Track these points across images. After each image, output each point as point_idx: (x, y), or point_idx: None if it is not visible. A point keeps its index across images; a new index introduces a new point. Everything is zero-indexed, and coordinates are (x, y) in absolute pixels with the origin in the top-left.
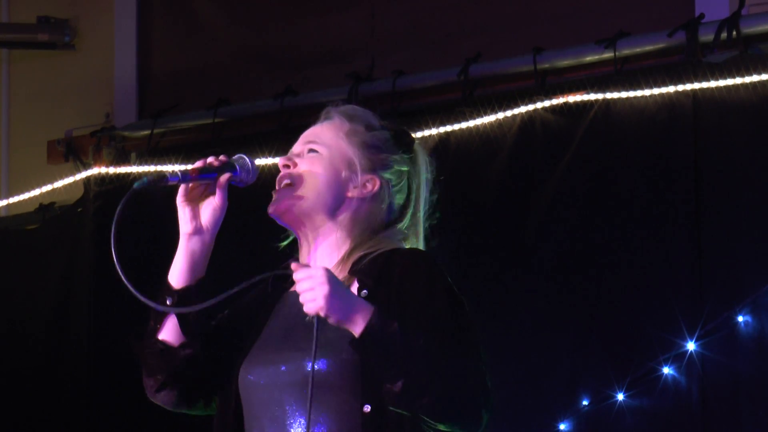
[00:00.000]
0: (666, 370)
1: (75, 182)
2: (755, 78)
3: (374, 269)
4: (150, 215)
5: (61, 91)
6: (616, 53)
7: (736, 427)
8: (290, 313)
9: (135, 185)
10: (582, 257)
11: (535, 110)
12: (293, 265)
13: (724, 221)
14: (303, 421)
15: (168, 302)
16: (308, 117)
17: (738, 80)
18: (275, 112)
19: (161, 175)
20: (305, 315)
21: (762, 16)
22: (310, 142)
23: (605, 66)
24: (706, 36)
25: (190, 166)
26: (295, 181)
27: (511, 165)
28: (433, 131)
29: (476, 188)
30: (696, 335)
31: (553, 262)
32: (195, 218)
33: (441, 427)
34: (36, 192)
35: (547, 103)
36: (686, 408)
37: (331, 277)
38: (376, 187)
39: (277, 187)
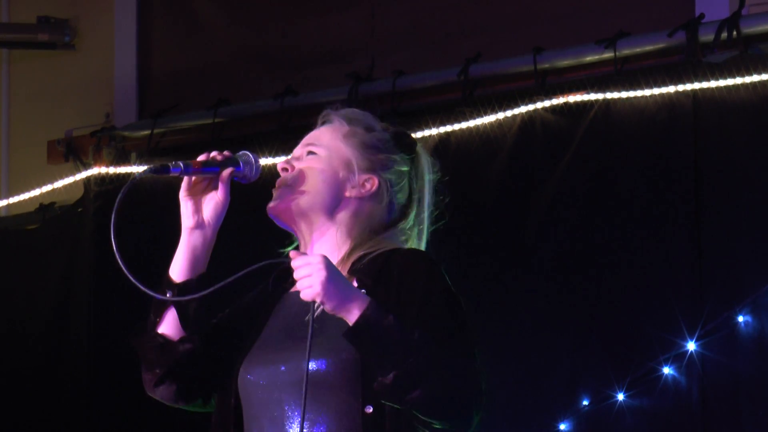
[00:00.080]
0: (666, 370)
1: (75, 182)
2: (755, 78)
3: (374, 269)
4: (150, 215)
5: (61, 91)
6: (616, 53)
7: (736, 427)
8: (291, 313)
9: (137, 174)
10: (582, 257)
11: (535, 110)
12: (291, 253)
13: (724, 221)
14: (304, 421)
15: (168, 296)
16: (308, 117)
17: (738, 80)
18: (275, 112)
19: (163, 165)
20: (306, 315)
21: (762, 16)
22: (309, 144)
23: (605, 66)
24: (706, 36)
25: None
26: (293, 181)
27: (511, 165)
28: (433, 131)
29: (476, 188)
30: (696, 335)
31: (553, 262)
32: (197, 212)
33: (435, 425)
34: (36, 192)
35: (547, 103)
36: (686, 408)
37: (328, 264)
38: (375, 187)
39: (276, 189)
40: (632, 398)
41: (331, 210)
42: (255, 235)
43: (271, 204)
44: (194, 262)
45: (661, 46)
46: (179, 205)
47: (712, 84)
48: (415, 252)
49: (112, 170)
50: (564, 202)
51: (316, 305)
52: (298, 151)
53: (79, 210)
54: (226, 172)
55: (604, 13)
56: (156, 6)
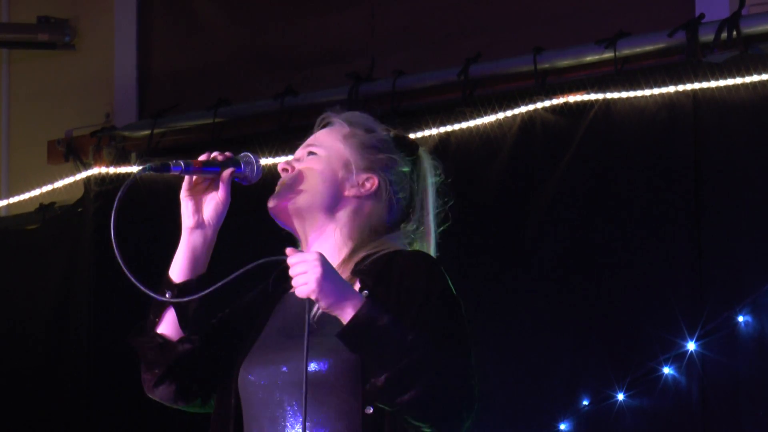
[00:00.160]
0: (666, 370)
1: (75, 182)
2: (755, 78)
3: (376, 269)
4: (150, 215)
5: (61, 91)
6: (616, 53)
7: (736, 427)
8: (291, 313)
9: (137, 171)
10: (582, 257)
11: (535, 110)
12: (288, 250)
13: (724, 221)
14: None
15: (168, 296)
16: (308, 117)
17: (738, 80)
18: (275, 112)
19: (164, 163)
20: (303, 314)
21: (762, 16)
22: (309, 146)
23: (605, 66)
24: (706, 36)
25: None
26: (293, 181)
27: (511, 165)
28: (433, 131)
29: (476, 188)
30: (696, 335)
31: (553, 262)
32: (197, 212)
33: (424, 430)
34: (36, 192)
35: (547, 103)
36: (686, 408)
37: (324, 262)
38: (374, 186)
39: (276, 189)
40: (632, 398)
41: (331, 209)
42: (255, 236)
43: (270, 203)
44: (194, 262)
45: (661, 46)
46: (179, 206)
47: (712, 84)
48: (417, 253)
49: (112, 170)
50: (564, 202)
51: (315, 305)
52: (299, 152)
53: (79, 210)
54: (227, 172)
55: (604, 13)
56: (156, 6)
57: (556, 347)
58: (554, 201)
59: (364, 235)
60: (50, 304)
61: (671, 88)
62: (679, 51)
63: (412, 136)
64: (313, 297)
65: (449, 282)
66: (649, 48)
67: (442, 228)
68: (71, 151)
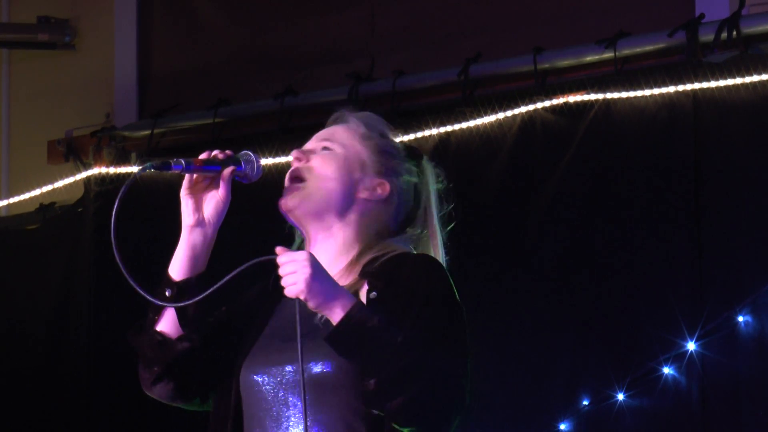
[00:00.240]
0: (666, 370)
1: (75, 182)
2: (755, 78)
3: (384, 271)
4: (150, 214)
5: (61, 91)
6: (616, 53)
7: (736, 427)
8: (292, 313)
9: (139, 169)
10: (582, 257)
11: (535, 110)
12: (278, 249)
13: (724, 221)
14: (308, 421)
15: (167, 294)
16: (308, 117)
17: (738, 80)
18: (275, 112)
19: (165, 161)
20: (309, 316)
21: (762, 16)
22: (325, 140)
23: (605, 66)
24: (706, 36)
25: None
26: (307, 177)
27: (511, 165)
28: (433, 131)
29: (476, 188)
30: (696, 335)
31: (553, 262)
32: (198, 210)
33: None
34: (36, 192)
35: (547, 103)
36: (686, 408)
37: (313, 262)
38: (386, 192)
39: (287, 182)
40: (632, 398)
41: (343, 210)
42: (255, 235)
43: (282, 200)
44: (194, 260)
45: (661, 46)
46: (180, 205)
47: (712, 84)
48: (424, 257)
49: (112, 170)
50: (564, 202)
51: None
52: (313, 144)
53: (79, 210)
54: (228, 171)
55: (604, 13)
56: (156, 6)
57: (556, 347)
58: (554, 201)
59: (371, 237)
60: (50, 304)
61: (671, 88)
62: (679, 51)
63: (412, 136)
64: (301, 297)
65: (453, 287)
66: (649, 48)
67: (447, 229)
68: (71, 151)
